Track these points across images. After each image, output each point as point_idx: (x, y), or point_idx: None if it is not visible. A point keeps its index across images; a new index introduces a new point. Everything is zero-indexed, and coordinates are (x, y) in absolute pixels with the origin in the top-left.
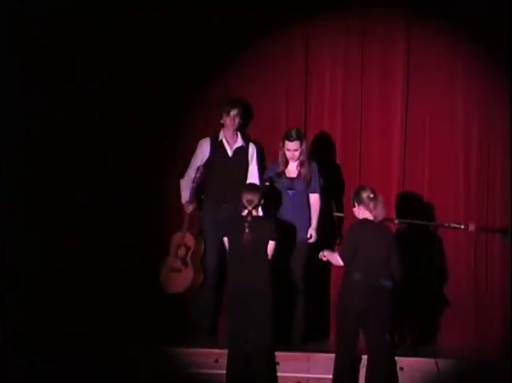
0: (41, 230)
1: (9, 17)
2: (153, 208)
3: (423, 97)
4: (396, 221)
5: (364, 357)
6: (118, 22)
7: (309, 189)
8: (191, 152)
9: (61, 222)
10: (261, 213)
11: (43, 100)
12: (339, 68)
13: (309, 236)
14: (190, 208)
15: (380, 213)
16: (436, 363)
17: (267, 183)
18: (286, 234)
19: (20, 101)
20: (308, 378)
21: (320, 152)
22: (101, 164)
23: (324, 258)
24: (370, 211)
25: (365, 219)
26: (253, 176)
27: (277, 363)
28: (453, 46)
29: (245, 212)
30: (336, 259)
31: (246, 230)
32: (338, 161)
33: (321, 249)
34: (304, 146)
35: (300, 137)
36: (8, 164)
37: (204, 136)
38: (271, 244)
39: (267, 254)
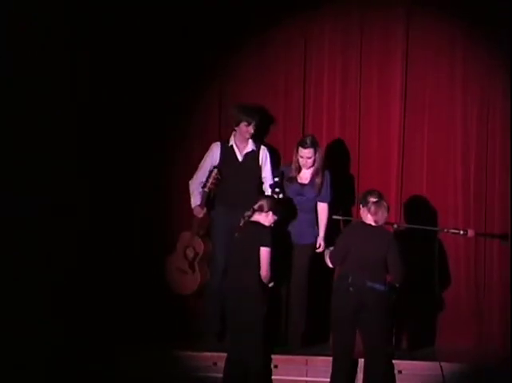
0: (42, 229)
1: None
2: (156, 208)
3: (422, 93)
4: (395, 225)
5: (361, 360)
6: (115, 24)
7: (318, 197)
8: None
9: (62, 222)
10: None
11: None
12: (338, 57)
13: (318, 246)
14: (201, 213)
15: (381, 218)
16: (440, 366)
17: (277, 179)
18: (290, 237)
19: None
20: (306, 381)
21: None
22: (103, 163)
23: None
24: (371, 215)
25: (361, 222)
26: (267, 181)
27: (276, 366)
28: (452, 36)
29: (246, 214)
30: (326, 261)
31: (236, 234)
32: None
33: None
34: (318, 154)
35: (314, 145)
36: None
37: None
38: (263, 251)
39: (259, 260)
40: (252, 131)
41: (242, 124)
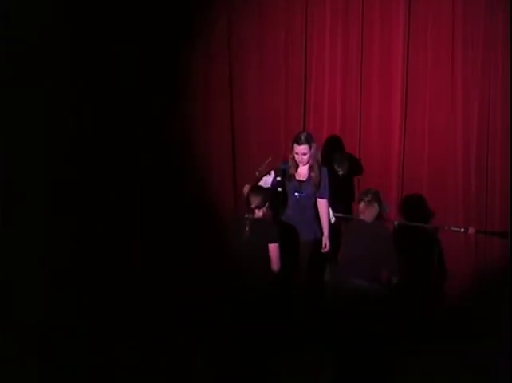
0: (43, 225)
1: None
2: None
3: (423, 89)
4: (396, 223)
5: None
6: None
7: (317, 194)
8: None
9: (64, 216)
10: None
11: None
12: (338, 28)
13: (324, 245)
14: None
15: (369, 217)
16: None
17: (279, 178)
18: (290, 235)
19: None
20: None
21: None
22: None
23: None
24: (361, 214)
25: (358, 219)
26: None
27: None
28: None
29: (247, 212)
30: None
31: (247, 228)
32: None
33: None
34: (313, 150)
35: (309, 141)
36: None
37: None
38: (272, 247)
39: (268, 256)
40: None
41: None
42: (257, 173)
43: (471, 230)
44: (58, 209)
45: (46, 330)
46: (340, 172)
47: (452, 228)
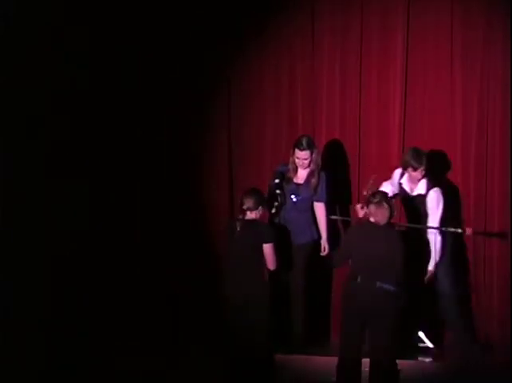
0: (42, 224)
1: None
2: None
3: (422, 93)
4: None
5: (365, 360)
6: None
7: (315, 197)
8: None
9: (62, 216)
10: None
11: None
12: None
13: (322, 249)
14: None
15: (381, 219)
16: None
17: (277, 181)
18: (286, 237)
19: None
20: (307, 381)
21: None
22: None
23: None
24: (372, 216)
25: (368, 222)
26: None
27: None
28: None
29: (240, 214)
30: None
31: (238, 228)
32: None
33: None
34: (314, 155)
35: (310, 147)
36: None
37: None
38: (266, 247)
39: (263, 257)
40: (420, 176)
41: (410, 169)
42: (364, 193)
43: (469, 231)
44: (58, 209)
45: (46, 330)
46: (422, 168)
47: (449, 229)
